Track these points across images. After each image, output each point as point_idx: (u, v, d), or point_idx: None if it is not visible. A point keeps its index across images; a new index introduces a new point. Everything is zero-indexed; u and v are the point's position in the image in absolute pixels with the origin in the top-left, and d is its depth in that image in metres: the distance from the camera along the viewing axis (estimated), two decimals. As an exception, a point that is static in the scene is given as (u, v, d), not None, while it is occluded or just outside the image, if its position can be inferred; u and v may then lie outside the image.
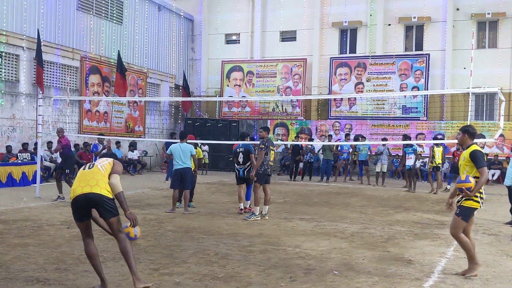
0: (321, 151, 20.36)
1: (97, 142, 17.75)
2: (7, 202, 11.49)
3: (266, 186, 10.23)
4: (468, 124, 6.85)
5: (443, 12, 22.91)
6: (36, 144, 15.34)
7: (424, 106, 22.67)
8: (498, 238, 8.71)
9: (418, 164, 17.40)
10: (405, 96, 22.22)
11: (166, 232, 8.40)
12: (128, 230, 5.27)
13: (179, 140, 11.05)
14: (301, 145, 20.26)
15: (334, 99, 23.98)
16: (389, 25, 23.67)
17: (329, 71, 24.29)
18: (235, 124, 24.26)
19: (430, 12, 23.02)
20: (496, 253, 7.49)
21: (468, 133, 6.24)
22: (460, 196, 6.06)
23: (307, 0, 24.78)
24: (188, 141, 11.19)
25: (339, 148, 20.41)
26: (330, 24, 24.48)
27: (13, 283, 5.34)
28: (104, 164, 5.23)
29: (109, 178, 5.11)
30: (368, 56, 23.73)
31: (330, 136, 21.59)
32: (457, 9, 22.65)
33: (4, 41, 16.48)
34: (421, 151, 18.55)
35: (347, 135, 22.56)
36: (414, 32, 23.70)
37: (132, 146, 21.11)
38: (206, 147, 21.80)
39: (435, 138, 19.69)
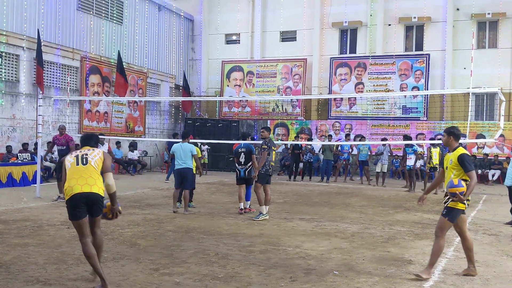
0: (321, 151, 20.35)
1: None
2: (7, 202, 11.48)
3: (267, 186, 10.23)
4: (453, 125, 6.80)
5: (443, 12, 22.90)
6: (36, 144, 15.35)
7: (424, 106, 22.66)
8: (498, 238, 8.71)
9: (418, 164, 17.40)
10: (405, 96, 22.20)
11: (166, 232, 8.40)
12: (106, 211, 5.54)
13: (181, 140, 11.07)
14: (301, 145, 20.26)
15: (334, 99, 23.98)
16: (389, 25, 23.66)
17: (329, 71, 24.29)
18: (235, 124, 24.24)
19: (430, 12, 23.01)
20: (496, 253, 7.49)
21: (453, 135, 6.16)
22: (448, 197, 6.02)
23: (307, 0, 24.77)
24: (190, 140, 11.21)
25: (339, 148, 20.41)
26: (330, 24, 24.48)
27: (13, 283, 5.35)
28: (96, 160, 5.39)
29: (103, 177, 5.34)
30: (368, 56, 23.72)
31: (330, 136, 21.58)
32: (457, 9, 22.64)
33: (4, 41, 16.48)
34: (421, 151, 18.54)
35: (347, 135, 22.57)
36: (414, 32, 23.69)
37: (132, 146, 21.11)
38: (206, 147, 21.80)
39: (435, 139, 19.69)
